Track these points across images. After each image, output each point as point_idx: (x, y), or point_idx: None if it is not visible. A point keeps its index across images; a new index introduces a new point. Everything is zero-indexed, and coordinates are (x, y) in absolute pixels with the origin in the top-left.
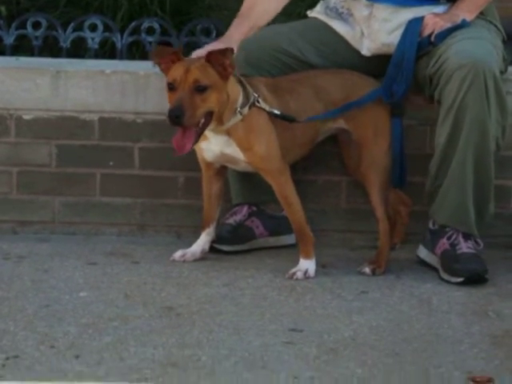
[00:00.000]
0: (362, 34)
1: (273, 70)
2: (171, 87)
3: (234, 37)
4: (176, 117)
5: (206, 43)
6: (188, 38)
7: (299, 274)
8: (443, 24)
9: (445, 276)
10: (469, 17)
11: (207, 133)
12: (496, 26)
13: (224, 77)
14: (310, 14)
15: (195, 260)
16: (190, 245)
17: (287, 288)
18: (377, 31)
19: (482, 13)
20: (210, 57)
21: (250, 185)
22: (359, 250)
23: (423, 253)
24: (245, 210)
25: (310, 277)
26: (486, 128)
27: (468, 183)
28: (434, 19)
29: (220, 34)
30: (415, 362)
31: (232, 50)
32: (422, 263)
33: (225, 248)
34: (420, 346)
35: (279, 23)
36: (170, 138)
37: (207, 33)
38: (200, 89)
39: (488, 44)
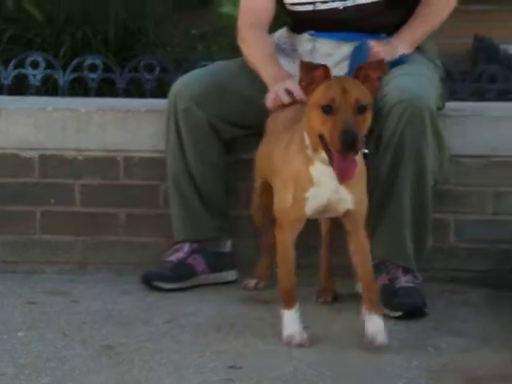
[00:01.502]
0: None
1: (217, 107)
2: (328, 109)
3: (283, 72)
4: (353, 142)
5: (150, 80)
6: (131, 74)
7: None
8: (383, 56)
9: (384, 310)
10: (407, 49)
11: (320, 169)
12: (435, 62)
13: (373, 93)
14: None
15: (139, 300)
16: (130, 282)
17: (228, 325)
18: (321, 61)
19: (421, 49)
20: (360, 72)
21: (192, 222)
22: (303, 285)
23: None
24: (186, 247)
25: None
26: (424, 163)
27: (406, 218)
28: (377, 48)
29: (164, 70)
30: None
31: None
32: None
33: (166, 286)
34: (360, 381)
35: (223, 59)
36: (112, 175)
37: (151, 69)
38: (361, 109)
39: (426, 80)
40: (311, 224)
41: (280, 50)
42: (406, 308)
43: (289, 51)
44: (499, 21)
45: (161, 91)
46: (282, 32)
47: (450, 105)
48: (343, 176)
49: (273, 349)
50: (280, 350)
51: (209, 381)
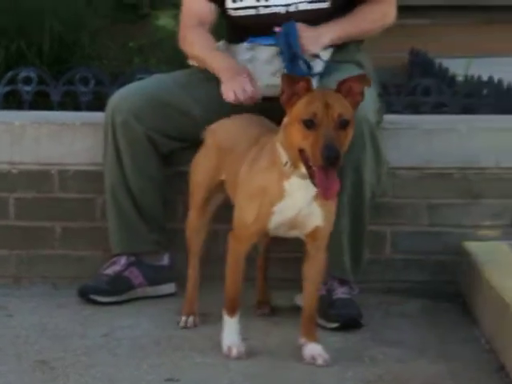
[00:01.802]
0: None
1: (155, 120)
2: (310, 124)
3: (235, 63)
4: (335, 158)
5: (85, 92)
6: (66, 87)
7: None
8: (308, 49)
9: (321, 322)
10: (330, 39)
11: (296, 184)
12: (372, 77)
13: (355, 107)
14: (192, 62)
15: (75, 313)
16: (66, 296)
17: (165, 338)
18: (260, 73)
19: (359, 64)
20: (342, 86)
21: (129, 235)
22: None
23: (300, 300)
24: (123, 260)
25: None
26: (362, 176)
27: (344, 230)
28: (303, 32)
29: (99, 83)
30: None
31: (365, 75)
32: (300, 310)
33: (102, 299)
34: None
35: (160, 72)
36: (47, 188)
37: (86, 82)
38: (344, 124)
39: (365, 95)
40: None
41: None
42: (342, 319)
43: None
44: (434, 35)
45: (97, 104)
46: (220, 44)
47: (386, 117)
48: (327, 193)
49: (210, 361)
50: (217, 363)
51: None
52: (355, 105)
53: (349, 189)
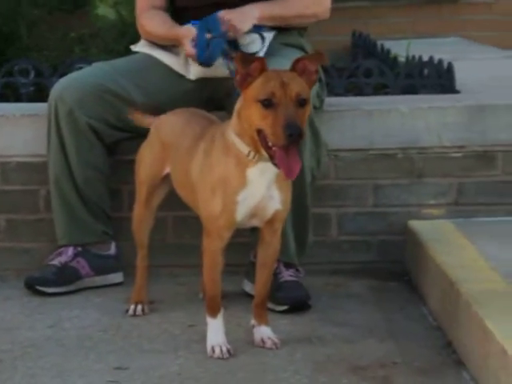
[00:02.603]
0: (187, 58)
1: (98, 109)
2: (268, 103)
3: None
4: (299, 135)
5: (25, 84)
6: (5, 79)
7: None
8: (239, 28)
9: (270, 305)
10: (257, 18)
11: (257, 170)
12: None
13: (310, 86)
14: (134, 48)
15: (22, 305)
16: (13, 288)
17: (113, 326)
18: None
19: (302, 48)
20: (297, 65)
21: (75, 226)
22: (186, 285)
23: (248, 286)
24: (70, 250)
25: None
26: (301, 160)
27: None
28: (228, 16)
29: (39, 75)
30: None
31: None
32: (249, 295)
33: (49, 290)
34: (245, 375)
35: (100, 61)
36: None
37: (26, 73)
38: (302, 103)
39: None
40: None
41: (161, 47)
42: (290, 302)
43: (169, 46)
44: (376, 17)
45: (38, 95)
46: None
47: (328, 100)
48: (290, 173)
49: (159, 348)
50: (166, 350)
51: (94, 383)
52: (311, 84)
53: None
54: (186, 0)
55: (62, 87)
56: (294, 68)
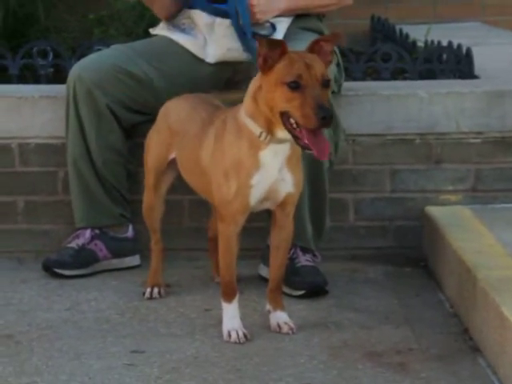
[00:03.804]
0: (206, 41)
1: (116, 91)
2: (295, 85)
3: None
4: (330, 117)
5: (43, 66)
6: (24, 61)
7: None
8: (257, 17)
9: (286, 290)
10: (284, 6)
11: (269, 152)
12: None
13: (326, 67)
14: (153, 31)
15: (40, 287)
16: (31, 270)
17: (130, 309)
18: (222, 36)
19: (321, 33)
20: (314, 46)
21: (93, 208)
22: (203, 269)
23: (264, 271)
24: (87, 233)
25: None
26: None
27: (304, 199)
28: (255, 7)
29: (57, 56)
30: (255, 376)
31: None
32: (265, 279)
33: (67, 273)
34: (261, 360)
35: (119, 43)
36: (7, 162)
37: (44, 55)
38: (326, 84)
39: None
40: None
41: (180, 30)
42: (307, 286)
43: (188, 29)
44: (395, 1)
45: (57, 77)
46: (180, 13)
47: (346, 84)
48: (322, 152)
49: (175, 332)
50: (182, 334)
51: (111, 366)
52: (327, 64)
53: (306, 158)
54: None
55: (80, 68)
56: (310, 49)
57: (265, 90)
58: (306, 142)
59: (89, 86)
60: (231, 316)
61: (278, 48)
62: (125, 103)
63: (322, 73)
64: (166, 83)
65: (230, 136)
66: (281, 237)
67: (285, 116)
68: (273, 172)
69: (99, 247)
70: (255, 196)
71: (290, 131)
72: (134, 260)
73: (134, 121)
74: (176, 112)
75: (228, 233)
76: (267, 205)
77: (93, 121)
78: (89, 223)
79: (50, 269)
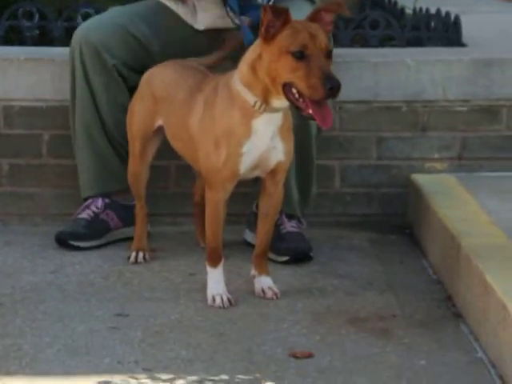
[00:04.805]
0: (195, 8)
1: (122, 52)
2: (300, 55)
3: None
4: (338, 88)
5: (29, 27)
6: (9, 22)
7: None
8: None
9: (271, 256)
10: None
11: (262, 121)
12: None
13: (327, 37)
14: None
15: (24, 250)
16: (16, 233)
17: (115, 273)
18: (211, 2)
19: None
20: (315, 16)
21: (105, 174)
22: (188, 234)
23: (249, 236)
24: (99, 202)
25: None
26: None
27: (291, 166)
28: None
29: (43, 18)
30: (239, 341)
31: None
32: (250, 245)
33: (82, 244)
34: (244, 325)
35: (106, 6)
36: None
37: (30, 16)
38: (329, 55)
39: None
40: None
41: None
42: (292, 253)
43: None
44: None
45: (42, 39)
46: None
47: (334, 51)
48: (325, 121)
49: (159, 296)
50: (166, 298)
51: (94, 329)
52: (327, 34)
53: (295, 125)
54: None
55: (87, 29)
56: (311, 19)
57: (266, 60)
58: (310, 112)
59: (96, 46)
60: (216, 281)
61: (283, 16)
62: (129, 64)
63: (326, 43)
64: (160, 48)
65: (222, 104)
66: (269, 204)
67: (287, 86)
68: (265, 140)
69: (111, 216)
70: (246, 164)
71: (291, 101)
72: None
73: (137, 82)
74: (161, 78)
75: (216, 200)
76: (257, 172)
77: (102, 82)
78: (99, 190)
79: (64, 242)
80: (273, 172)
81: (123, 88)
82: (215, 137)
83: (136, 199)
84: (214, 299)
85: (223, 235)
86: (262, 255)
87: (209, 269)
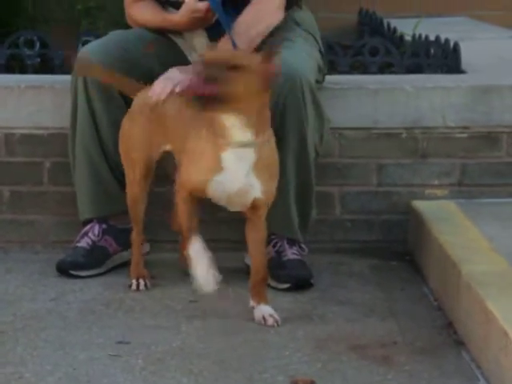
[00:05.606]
0: (192, 46)
1: (123, 73)
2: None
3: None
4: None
5: (30, 56)
6: (11, 50)
7: None
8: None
9: (272, 283)
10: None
11: (237, 157)
12: (313, 36)
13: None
14: None
15: (24, 277)
16: (16, 260)
17: (116, 301)
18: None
19: (298, 23)
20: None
21: (103, 196)
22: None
23: (249, 260)
24: (96, 229)
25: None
26: (305, 135)
27: (290, 190)
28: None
29: (44, 47)
30: (240, 368)
31: None
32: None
33: (83, 273)
34: (246, 352)
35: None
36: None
37: (31, 45)
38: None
39: (304, 53)
40: None
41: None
42: (293, 280)
43: (174, 1)
44: None
45: (43, 67)
46: None
47: (332, 78)
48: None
49: (161, 323)
50: (168, 325)
51: (95, 357)
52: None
53: (293, 150)
54: None
55: (90, 52)
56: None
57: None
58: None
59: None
60: (200, 263)
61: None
62: None
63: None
64: (160, 68)
65: (204, 130)
66: (254, 235)
67: None
68: (237, 175)
69: (109, 242)
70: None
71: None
72: (144, 248)
73: None
74: (171, 100)
75: (184, 200)
76: (237, 207)
77: (104, 104)
78: (96, 213)
79: (65, 271)
80: (252, 208)
81: (124, 109)
82: (195, 158)
83: (133, 224)
84: (200, 286)
85: (222, 262)
86: (260, 284)
87: (189, 246)
